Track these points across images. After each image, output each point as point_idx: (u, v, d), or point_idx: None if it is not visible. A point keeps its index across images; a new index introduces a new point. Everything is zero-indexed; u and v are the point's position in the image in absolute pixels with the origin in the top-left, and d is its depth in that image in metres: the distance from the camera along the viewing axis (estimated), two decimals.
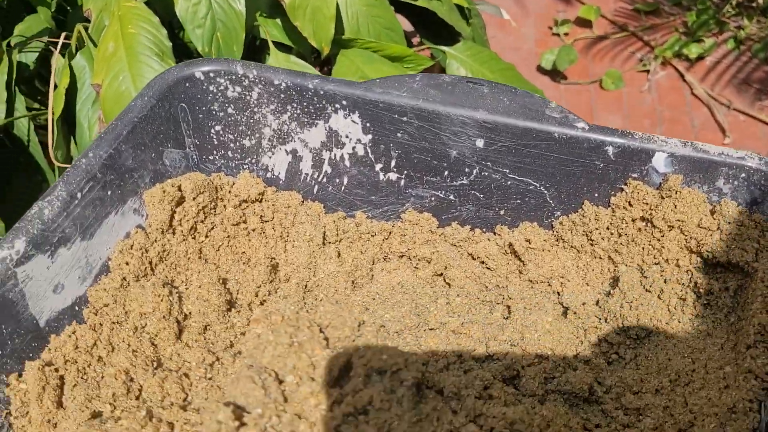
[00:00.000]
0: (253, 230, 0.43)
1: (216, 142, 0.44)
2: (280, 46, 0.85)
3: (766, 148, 1.28)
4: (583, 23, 1.52)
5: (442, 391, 0.31)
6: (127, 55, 0.79)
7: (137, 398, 0.33)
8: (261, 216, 0.43)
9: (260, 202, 0.44)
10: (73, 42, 0.85)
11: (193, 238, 0.40)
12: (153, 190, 0.39)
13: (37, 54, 0.93)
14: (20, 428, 0.32)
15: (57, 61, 0.85)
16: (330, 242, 0.43)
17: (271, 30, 0.90)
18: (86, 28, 0.82)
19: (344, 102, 0.41)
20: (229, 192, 0.43)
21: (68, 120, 0.84)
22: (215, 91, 0.42)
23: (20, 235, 0.33)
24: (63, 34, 0.88)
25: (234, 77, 0.42)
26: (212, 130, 0.43)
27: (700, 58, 1.48)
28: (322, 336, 0.33)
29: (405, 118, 0.40)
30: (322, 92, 0.41)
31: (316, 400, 0.29)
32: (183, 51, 0.86)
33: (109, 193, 0.37)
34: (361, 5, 0.83)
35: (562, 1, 1.60)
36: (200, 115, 0.43)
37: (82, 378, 0.33)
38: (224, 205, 0.42)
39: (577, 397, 0.34)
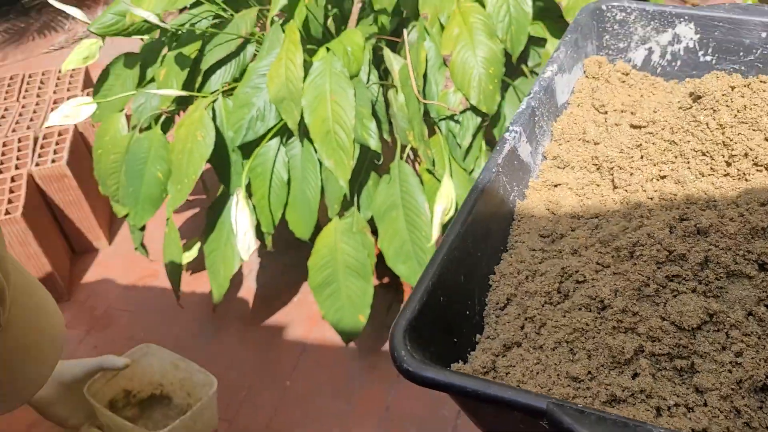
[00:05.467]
0: (624, 83, 0.81)
1: (604, 45, 0.83)
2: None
3: None
4: None
5: None
6: (468, 35, 1.21)
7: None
8: (630, 85, 0.82)
9: (627, 75, 0.82)
10: (419, 30, 1.29)
11: (607, 81, 0.79)
12: (588, 59, 0.79)
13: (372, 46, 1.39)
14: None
15: (409, 45, 1.29)
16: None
17: (536, 27, 1.32)
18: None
19: (686, 18, 0.79)
20: (614, 69, 0.81)
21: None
22: (609, 16, 0.82)
23: (553, 63, 0.74)
24: (404, 33, 1.33)
25: (622, 7, 0.81)
26: (604, 37, 0.83)
27: None
28: None
29: (720, 24, 0.78)
30: (674, 13, 0.79)
31: None
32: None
33: (575, 54, 0.78)
34: None
35: None
36: (600, 28, 0.82)
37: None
38: (609, 70, 0.81)
39: None
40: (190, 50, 1.41)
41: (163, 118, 1.46)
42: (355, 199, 1.33)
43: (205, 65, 1.39)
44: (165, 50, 1.50)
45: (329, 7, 1.47)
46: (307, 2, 1.36)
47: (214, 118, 1.34)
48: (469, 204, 0.58)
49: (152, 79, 1.51)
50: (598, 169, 0.66)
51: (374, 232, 1.33)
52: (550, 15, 1.33)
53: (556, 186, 0.67)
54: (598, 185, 0.65)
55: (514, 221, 0.64)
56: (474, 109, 1.20)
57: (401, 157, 1.30)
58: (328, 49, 1.29)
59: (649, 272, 0.50)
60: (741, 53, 0.78)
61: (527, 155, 0.67)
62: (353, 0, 1.56)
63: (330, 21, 1.46)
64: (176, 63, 1.41)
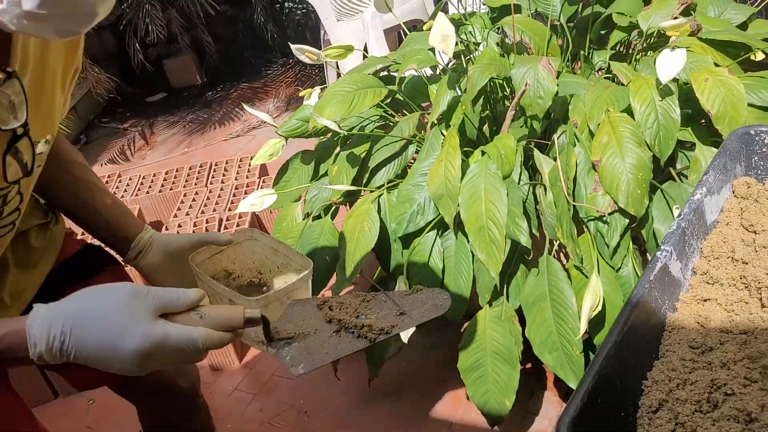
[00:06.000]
0: None
1: (753, 166, 0.90)
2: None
3: None
4: None
5: None
6: (617, 143, 1.30)
7: None
8: None
9: None
10: (569, 137, 1.39)
11: (756, 200, 0.85)
12: (737, 180, 0.86)
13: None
14: None
15: (558, 148, 1.39)
16: None
17: (684, 133, 1.37)
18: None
19: None
20: (763, 188, 0.87)
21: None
22: (758, 139, 0.89)
23: (702, 186, 0.81)
24: (554, 137, 1.44)
25: None
26: (753, 159, 0.89)
27: None
28: None
29: None
30: None
31: None
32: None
33: (723, 177, 0.85)
34: None
35: None
36: (748, 151, 0.89)
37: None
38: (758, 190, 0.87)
39: None
40: (360, 150, 1.61)
41: (333, 208, 1.66)
42: (505, 289, 1.43)
43: (372, 163, 1.57)
44: (337, 149, 1.72)
45: (483, 111, 1.63)
46: (464, 109, 1.52)
47: (378, 211, 1.51)
48: (624, 316, 0.67)
49: (325, 174, 1.73)
50: (746, 287, 0.73)
51: (521, 321, 1.42)
52: (697, 121, 1.39)
53: (705, 301, 0.74)
54: (746, 303, 0.71)
55: (665, 331, 0.72)
56: (622, 211, 1.28)
57: (549, 252, 1.39)
58: (483, 153, 1.43)
59: None
60: None
61: (677, 271, 0.75)
62: (505, 104, 1.70)
63: (485, 125, 1.61)
64: (347, 161, 1.61)
